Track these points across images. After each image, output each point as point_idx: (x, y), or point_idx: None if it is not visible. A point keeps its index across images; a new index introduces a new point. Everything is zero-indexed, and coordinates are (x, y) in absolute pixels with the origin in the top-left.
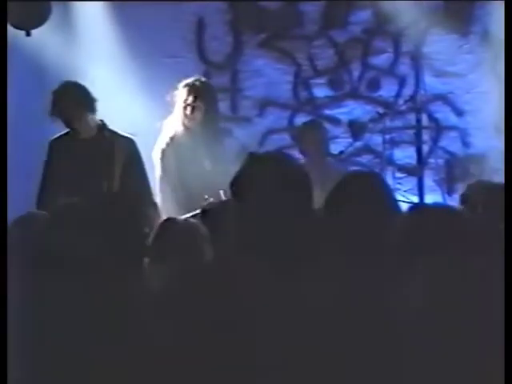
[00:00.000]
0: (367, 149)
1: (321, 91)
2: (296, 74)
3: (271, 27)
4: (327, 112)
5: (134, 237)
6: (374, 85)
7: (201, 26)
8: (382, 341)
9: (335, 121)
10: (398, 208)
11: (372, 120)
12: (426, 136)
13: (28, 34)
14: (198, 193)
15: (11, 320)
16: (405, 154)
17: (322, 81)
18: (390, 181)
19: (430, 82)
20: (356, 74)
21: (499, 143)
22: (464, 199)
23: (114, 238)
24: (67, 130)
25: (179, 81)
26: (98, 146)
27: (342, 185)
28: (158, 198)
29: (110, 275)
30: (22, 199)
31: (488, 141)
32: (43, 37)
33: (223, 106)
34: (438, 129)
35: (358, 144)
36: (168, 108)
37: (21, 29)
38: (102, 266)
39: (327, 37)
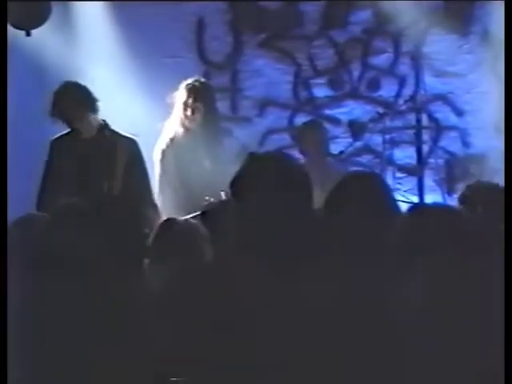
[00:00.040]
0: (367, 149)
1: (321, 91)
2: (296, 74)
3: (271, 27)
4: (327, 112)
5: (135, 237)
6: (374, 85)
7: (201, 26)
8: (381, 341)
9: (335, 121)
10: (397, 208)
11: (372, 120)
12: (426, 136)
13: (28, 34)
14: (198, 193)
15: (11, 320)
16: (405, 154)
17: (322, 81)
18: (390, 181)
19: (430, 82)
20: (356, 74)
21: (499, 143)
22: (463, 199)
23: (114, 239)
24: (68, 129)
25: (179, 81)
26: (100, 146)
27: (341, 185)
28: (157, 199)
29: (110, 275)
30: (21, 199)
31: (488, 141)
32: (43, 37)
33: (223, 106)
34: (438, 129)
35: (358, 144)
36: (168, 108)
37: (21, 29)
38: (103, 266)
39: (327, 37)
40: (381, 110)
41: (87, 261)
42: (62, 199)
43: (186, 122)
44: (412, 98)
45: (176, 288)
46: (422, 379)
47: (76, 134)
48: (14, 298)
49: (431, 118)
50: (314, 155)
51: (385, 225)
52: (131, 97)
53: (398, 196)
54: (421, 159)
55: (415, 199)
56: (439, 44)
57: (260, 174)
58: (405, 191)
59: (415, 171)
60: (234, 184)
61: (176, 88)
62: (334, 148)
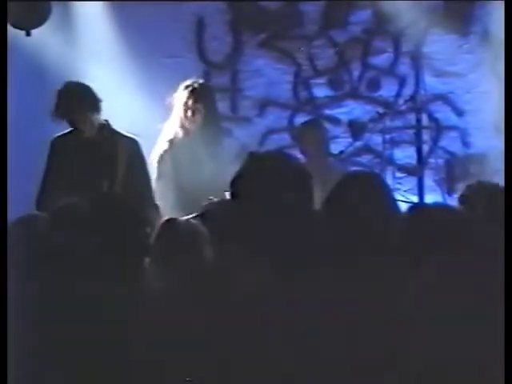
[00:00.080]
0: (367, 149)
1: (321, 91)
2: (296, 74)
3: (271, 27)
4: (327, 112)
5: (136, 237)
6: (374, 85)
7: (201, 26)
8: (382, 341)
9: (335, 121)
10: (397, 208)
11: (372, 120)
12: (426, 136)
13: (28, 34)
14: (198, 194)
15: (11, 320)
16: (405, 154)
17: (322, 81)
18: (389, 181)
19: (430, 81)
20: (356, 73)
21: (499, 143)
22: (463, 200)
23: (115, 238)
24: (69, 129)
25: (179, 81)
26: (101, 145)
27: (341, 185)
28: (157, 200)
29: (111, 275)
30: (22, 199)
31: (488, 141)
32: (43, 37)
33: (223, 106)
34: (438, 129)
35: (358, 144)
36: (168, 108)
37: (21, 29)
38: (103, 266)
39: (327, 37)
40: (381, 110)
41: (88, 261)
42: (63, 199)
43: (186, 124)
44: (412, 97)
45: (177, 288)
46: (422, 378)
47: (77, 133)
48: (14, 298)
49: (431, 117)
50: (315, 155)
51: (385, 225)
52: (131, 97)
53: (398, 196)
54: (421, 159)
55: (415, 199)
56: (439, 44)
57: (260, 174)
58: (405, 191)
59: (415, 171)
60: (234, 184)
61: (176, 88)
62: (334, 148)
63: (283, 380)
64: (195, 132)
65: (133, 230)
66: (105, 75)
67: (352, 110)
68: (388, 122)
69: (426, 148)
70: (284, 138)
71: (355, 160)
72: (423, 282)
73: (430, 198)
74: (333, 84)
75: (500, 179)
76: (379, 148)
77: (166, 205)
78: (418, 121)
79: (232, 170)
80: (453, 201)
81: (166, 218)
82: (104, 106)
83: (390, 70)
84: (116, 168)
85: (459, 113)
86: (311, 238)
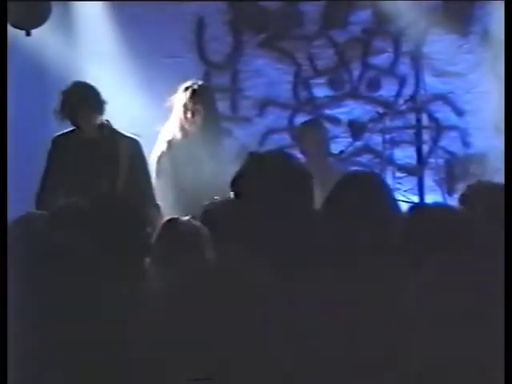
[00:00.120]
0: (367, 149)
1: (321, 91)
2: (296, 74)
3: (271, 27)
4: (327, 112)
5: (137, 237)
6: (374, 85)
7: (201, 26)
8: (381, 341)
9: (335, 121)
10: (397, 208)
11: (372, 120)
12: (426, 136)
13: (28, 34)
14: (198, 194)
15: (11, 320)
16: (405, 154)
17: (322, 81)
18: (390, 181)
19: (430, 81)
20: (356, 73)
21: (499, 143)
22: (463, 200)
23: (116, 238)
24: (70, 128)
25: (179, 81)
26: (102, 145)
27: (341, 185)
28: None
29: (112, 275)
30: (22, 199)
31: (488, 141)
32: (43, 37)
33: (223, 106)
34: (438, 129)
35: (358, 144)
36: (168, 110)
37: (21, 29)
38: (104, 266)
39: (327, 37)
40: (381, 109)
41: (89, 260)
42: (64, 198)
43: (186, 125)
44: (412, 97)
45: (178, 288)
46: (422, 378)
47: (78, 132)
48: (14, 298)
49: (431, 117)
50: (315, 155)
51: (385, 225)
52: (131, 97)
53: (398, 196)
54: (421, 159)
55: (415, 199)
56: (439, 44)
57: (260, 174)
58: (405, 191)
59: (415, 171)
60: (235, 184)
61: (176, 88)
62: (334, 148)
63: (283, 380)
64: (195, 133)
65: (134, 229)
66: (105, 75)
67: (352, 109)
68: (388, 122)
69: (426, 148)
70: (284, 138)
71: (355, 160)
72: (423, 282)
73: (430, 198)
74: (333, 84)
75: (500, 179)
76: (379, 148)
77: (165, 205)
78: (418, 121)
79: (232, 170)
80: (453, 201)
81: (167, 217)
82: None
83: (390, 70)
84: (117, 168)
85: (459, 113)
86: (311, 238)
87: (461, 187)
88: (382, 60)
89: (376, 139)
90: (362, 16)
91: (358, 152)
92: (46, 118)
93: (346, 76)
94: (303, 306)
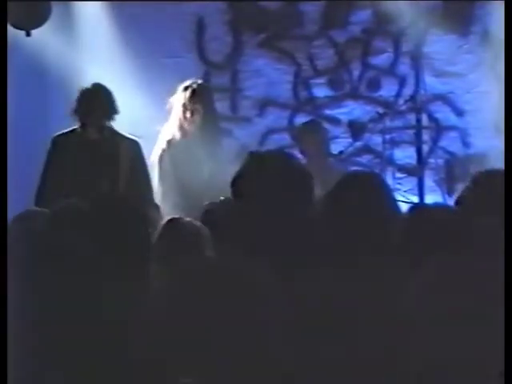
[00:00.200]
0: (367, 149)
1: (321, 91)
2: (296, 74)
3: (271, 27)
4: (327, 112)
5: (137, 237)
6: (374, 85)
7: (201, 26)
8: (381, 341)
9: (335, 121)
10: (397, 208)
11: (372, 120)
12: (426, 136)
13: (28, 34)
14: (198, 194)
15: (11, 320)
16: (405, 154)
17: (322, 81)
18: (390, 181)
19: (430, 81)
20: (356, 73)
21: (499, 143)
22: (459, 202)
23: (116, 238)
24: (70, 128)
25: (179, 81)
26: (103, 146)
27: (341, 185)
28: (157, 201)
29: (112, 275)
30: (22, 199)
31: (488, 141)
32: (43, 37)
33: (223, 106)
34: (438, 129)
35: (358, 144)
36: (168, 110)
37: (21, 29)
38: (105, 266)
39: (327, 37)
40: (381, 110)
41: (89, 261)
42: (64, 199)
43: (185, 125)
44: (412, 98)
45: (179, 287)
46: (422, 378)
47: (79, 133)
48: (13, 297)
49: (431, 117)
50: (314, 155)
51: (385, 225)
52: (131, 97)
53: (398, 196)
54: (421, 159)
55: (415, 199)
56: (439, 44)
57: (261, 174)
58: (405, 191)
59: (415, 171)
60: (235, 184)
61: (176, 88)
62: (334, 148)
63: (283, 380)
64: (194, 132)
65: (134, 230)
66: (105, 75)
67: (352, 110)
68: (388, 122)
69: (426, 148)
70: (284, 138)
71: (355, 160)
72: (423, 282)
73: (430, 198)
74: (333, 84)
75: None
76: (379, 148)
77: (166, 204)
78: (418, 121)
79: (232, 169)
80: (453, 201)
81: (168, 217)
82: None
83: (390, 70)
84: (117, 169)
85: (459, 113)
86: (311, 238)
87: (461, 187)
88: (381, 60)
89: (376, 139)
90: (362, 16)
91: (358, 152)
92: (46, 118)
93: (346, 76)
94: (303, 306)
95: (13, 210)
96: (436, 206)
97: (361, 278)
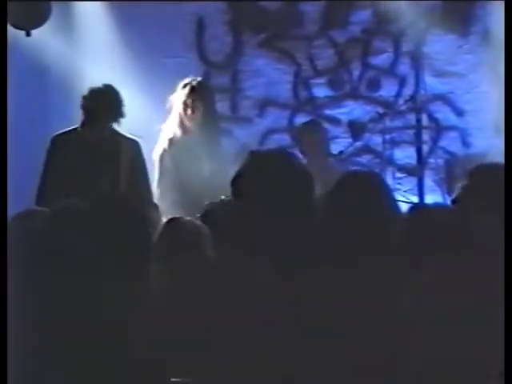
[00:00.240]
0: (367, 149)
1: (321, 91)
2: (296, 74)
3: (271, 27)
4: (327, 112)
5: (137, 237)
6: (374, 85)
7: (201, 26)
8: (381, 341)
9: (335, 121)
10: (397, 208)
11: (372, 120)
12: (426, 136)
13: (28, 34)
14: (198, 193)
15: (11, 319)
16: (405, 154)
17: (322, 81)
18: (390, 181)
19: (430, 81)
20: (356, 73)
21: (499, 143)
22: (456, 201)
23: (117, 238)
24: (69, 127)
25: (179, 81)
26: (103, 146)
27: (341, 184)
28: (157, 200)
29: (112, 275)
30: (21, 199)
31: (488, 141)
32: (43, 37)
33: (223, 106)
34: (438, 129)
35: (358, 144)
36: (168, 109)
37: (21, 29)
38: (105, 266)
39: (327, 37)
40: (381, 110)
41: (89, 261)
42: (64, 199)
43: (186, 122)
44: (412, 98)
45: (178, 287)
46: (422, 378)
47: (79, 132)
48: (13, 297)
49: (431, 118)
50: (315, 155)
51: (385, 224)
52: (131, 97)
53: (398, 196)
54: (421, 159)
55: (415, 199)
56: (439, 44)
57: (261, 173)
58: (405, 191)
59: (415, 171)
60: (235, 183)
61: (176, 88)
62: (334, 148)
63: (283, 380)
64: (194, 131)
65: (134, 229)
66: (104, 75)
67: (352, 110)
68: (388, 122)
69: (426, 148)
70: (284, 138)
71: (355, 160)
72: (423, 282)
73: (430, 198)
74: (333, 84)
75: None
76: (379, 148)
77: (164, 202)
78: (418, 121)
79: (232, 169)
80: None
81: (169, 217)
82: None
83: (390, 70)
84: (117, 168)
85: (459, 113)
86: (311, 238)
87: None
88: (381, 60)
89: (376, 139)
90: (362, 16)
91: (358, 152)
92: (46, 118)
93: (346, 76)
94: (303, 306)
95: (13, 210)
96: (436, 205)
97: (361, 277)
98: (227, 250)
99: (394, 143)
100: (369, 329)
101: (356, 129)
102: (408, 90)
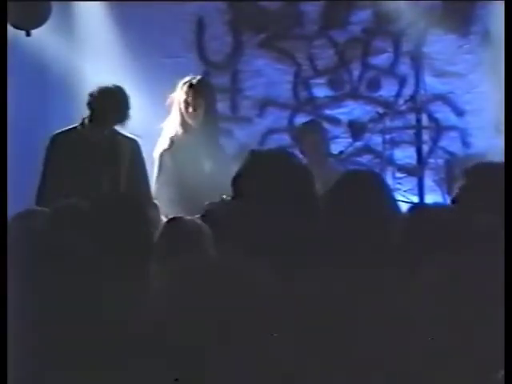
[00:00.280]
0: (367, 149)
1: (321, 91)
2: (296, 74)
3: (271, 27)
4: (327, 112)
5: (140, 236)
6: (374, 85)
7: (201, 26)
8: (381, 341)
9: (335, 121)
10: (397, 208)
11: (372, 120)
12: (426, 136)
13: (28, 34)
14: (199, 192)
15: (11, 319)
16: (405, 154)
17: (322, 81)
18: (390, 181)
19: (430, 81)
20: (356, 73)
21: (499, 143)
22: (455, 200)
23: (117, 238)
24: (68, 126)
25: (179, 81)
26: (103, 145)
27: (341, 183)
28: (156, 199)
29: (113, 275)
30: (21, 199)
31: (488, 141)
32: (43, 37)
33: (223, 106)
34: (438, 129)
35: (358, 144)
36: (168, 108)
37: (21, 29)
38: (106, 265)
39: (327, 37)
40: (381, 110)
41: (89, 260)
42: (64, 199)
43: (188, 120)
44: (412, 98)
45: (179, 286)
46: (422, 378)
47: (78, 131)
48: (13, 296)
49: (431, 118)
50: (314, 156)
51: (384, 224)
52: (131, 96)
53: (398, 196)
54: (421, 159)
55: (415, 199)
56: (439, 44)
57: (261, 172)
58: (405, 191)
59: (415, 171)
60: (236, 183)
61: (175, 88)
62: (334, 148)
63: (283, 380)
64: (195, 130)
65: (135, 229)
66: (104, 75)
67: (352, 110)
68: (388, 122)
69: (426, 148)
70: (284, 138)
71: (355, 160)
72: (423, 282)
73: (430, 198)
74: (333, 84)
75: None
76: (379, 148)
77: (166, 202)
78: (418, 121)
79: (232, 169)
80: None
81: (170, 216)
82: None
83: (390, 70)
84: (117, 168)
85: (459, 113)
86: (311, 237)
87: None
88: (381, 60)
89: (376, 139)
90: (362, 16)
91: (358, 152)
92: (46, 118)
93: (346, 76)
94: (303, 306)
95: (13, 210)
96: (436, 205)
97: (361, 277)
98: (228, 250)
99: (394, 143)
100: (369, 329)
101: (356, 129)
102: (408, 90)
